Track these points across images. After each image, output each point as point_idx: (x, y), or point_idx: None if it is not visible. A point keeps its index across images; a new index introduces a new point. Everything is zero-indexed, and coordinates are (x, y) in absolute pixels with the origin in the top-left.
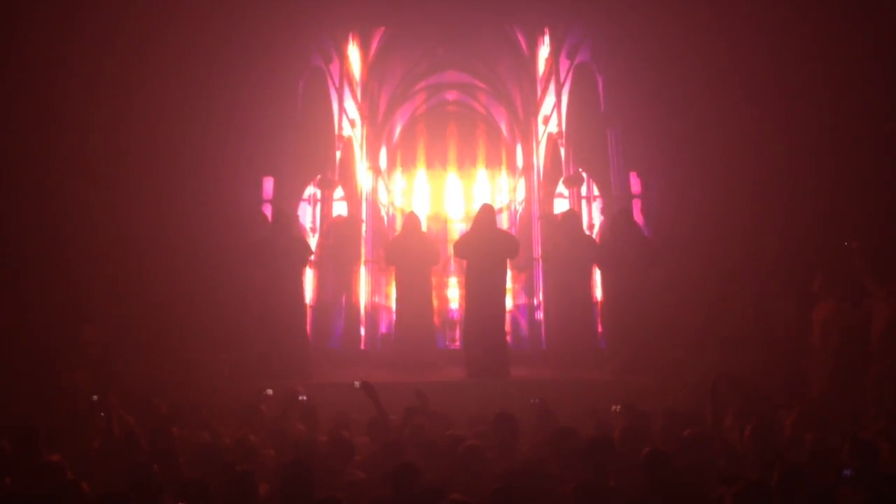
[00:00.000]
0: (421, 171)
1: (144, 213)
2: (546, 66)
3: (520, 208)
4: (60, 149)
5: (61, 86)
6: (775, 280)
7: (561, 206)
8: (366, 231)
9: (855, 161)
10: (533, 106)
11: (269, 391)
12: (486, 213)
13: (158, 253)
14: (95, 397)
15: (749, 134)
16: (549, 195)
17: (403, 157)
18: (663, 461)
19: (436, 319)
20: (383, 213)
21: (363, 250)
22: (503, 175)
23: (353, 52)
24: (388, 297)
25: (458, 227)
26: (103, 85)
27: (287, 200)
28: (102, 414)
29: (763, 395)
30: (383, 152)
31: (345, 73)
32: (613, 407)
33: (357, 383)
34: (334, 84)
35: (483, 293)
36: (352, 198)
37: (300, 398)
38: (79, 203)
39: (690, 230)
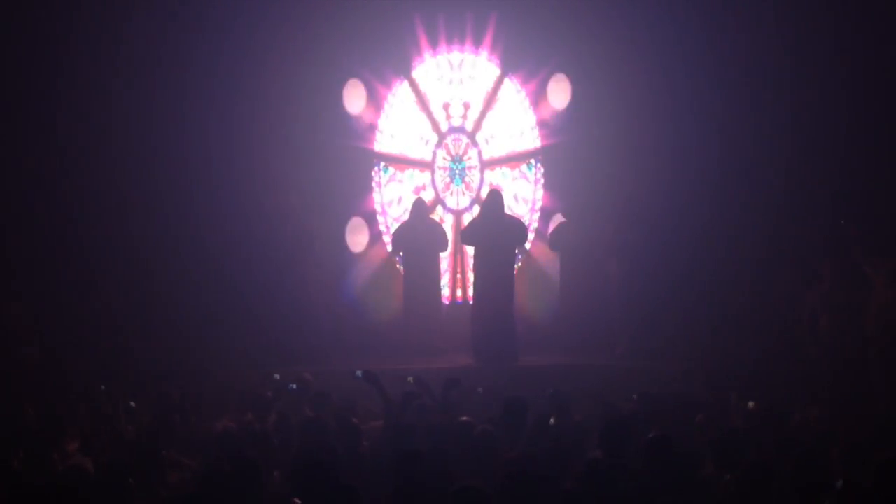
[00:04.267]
0: None
1: (154, 200)
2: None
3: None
4: (73, 141)
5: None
6: (781, 265)
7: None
8: None
9: (852, 144)
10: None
11: (277, 376)
12: (494, 199)
13: (167, 240)
14: (103, 387)
15: (745, 118)
16: None
17: None
18: (666, 446)
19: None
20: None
21: None
22: None
23: None
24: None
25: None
26: (110, 82)
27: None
28: (132, 403)
29: (765, 379)
30: None
31: None
32: (633, 396)
33: (359, 373)
34: None
35: (491, 280)
36: None
37: (290, 387)
38: (90, 190)
39: (691, 215)
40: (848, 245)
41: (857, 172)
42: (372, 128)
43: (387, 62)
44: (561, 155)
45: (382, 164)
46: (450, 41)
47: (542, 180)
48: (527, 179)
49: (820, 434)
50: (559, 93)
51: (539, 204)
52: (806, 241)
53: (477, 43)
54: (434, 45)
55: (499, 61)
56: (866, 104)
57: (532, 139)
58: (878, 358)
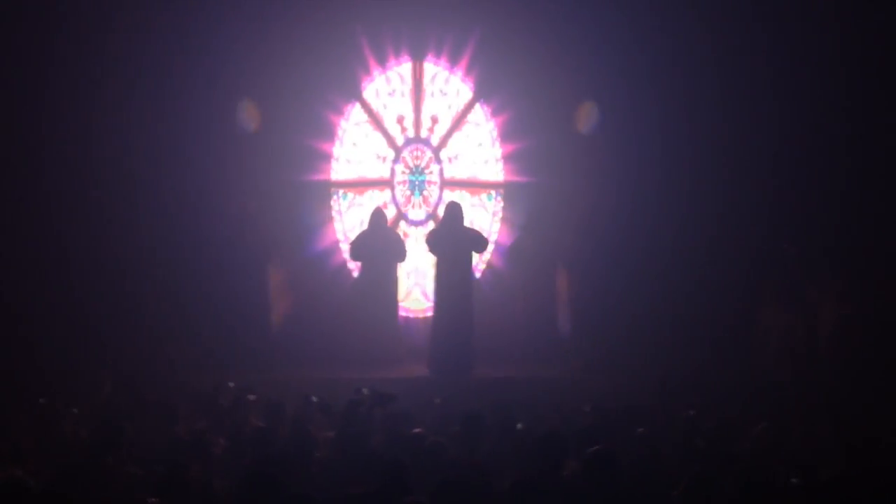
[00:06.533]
0: None
1: (108, 204)
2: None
3: None
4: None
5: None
6: (735, 283)
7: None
8: None
9: (809, 164)
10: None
11: (231, 384)
12: (453, 210)
13: (118, 245)
14: (42, 400)
15: (710, 138)
16: None
17: None
18: (608, 460)
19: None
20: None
21: None
22: None
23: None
24: None
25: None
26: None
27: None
28: (75, 410)
29: (718, 394)
30: None
31: None
32: (584, 408)
33: (365, 390)
34: None
35: (450, 289)
36: None
37: (249, 397)
38: (44, 192)
39: (653, 231)
40: (789, 266)
41: (812, 193)
42: (327, 157)
43: (335, 87)
44: (523, 193)
45: (341, 191)
46: (398, 54)
47: (500, 214)
48: (485, 209)
49: (765, 449)
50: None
51: (494, 237)
52: (758, 257)
53: (453, 61)
54: (382, 61)
55: (473, 84)
56: (828, 123)
57: (496, 171)
58: (828, 376)
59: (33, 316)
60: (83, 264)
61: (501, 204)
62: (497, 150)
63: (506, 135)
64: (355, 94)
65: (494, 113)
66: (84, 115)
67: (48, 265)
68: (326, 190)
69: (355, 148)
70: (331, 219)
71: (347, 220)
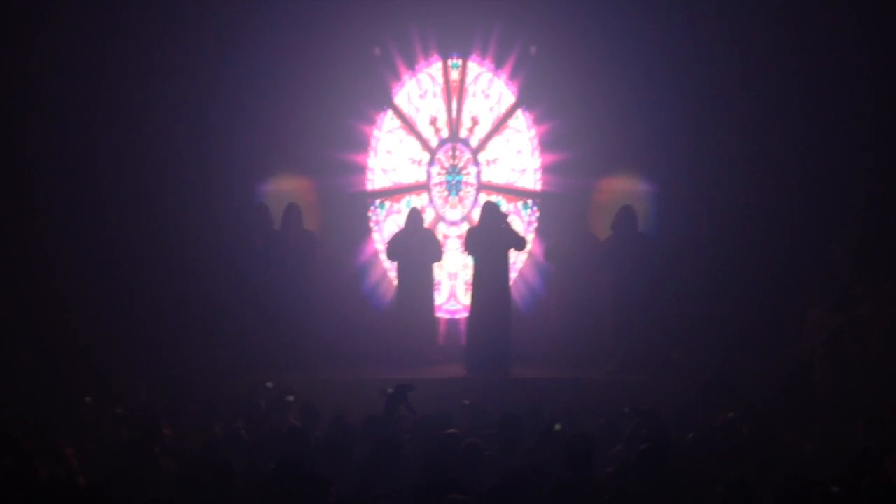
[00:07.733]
0: None
1: (144, 203)
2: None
3: None
4: (60, 142)
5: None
6: (777, 282)
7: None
8: None
9: (850, 161)
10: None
11: (270, 384)
12: (490, 210)
13: (157, 246)
14: (89, 399)
15: (752, 134)
16: None
17: None
18: (660, 458)
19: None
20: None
21: None
22: None
23: None
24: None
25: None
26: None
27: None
28: (119, 410)
29: (759, 397)
30: None
31: None
32: (623, 409)
33: (390, 389)
34: None
35: (488, 289)
36: None
37: (288, 399)
38: (83, 193)
39: (691, 229)
40: (837, 267)
41: (862, 193)
42: (361, 169)
43: (366, 97)
44: (560, 204)
45: (378, 200)
46: (427, 54)
47: (536, 224)
48: (521, 218)
49: (807, 456)
50: None
51: (528, 246)
52: (806, 258)
53: (498, 64)
54: (411, 63)
55: (516, 90)
56: (880, 122)
57: (534, 181)
58: (876, 380)
59: (79, 316)
60: (130, 267)
61: (538, 213)
62: (537, 160)
63: (547, 144)
64: (387, 102)
65: (537, 121)
66: (133, 128)
67: (95, 268)
68: (363, 200)
69: (390, 156)
70: (369, 229)
71: (386, 230)
